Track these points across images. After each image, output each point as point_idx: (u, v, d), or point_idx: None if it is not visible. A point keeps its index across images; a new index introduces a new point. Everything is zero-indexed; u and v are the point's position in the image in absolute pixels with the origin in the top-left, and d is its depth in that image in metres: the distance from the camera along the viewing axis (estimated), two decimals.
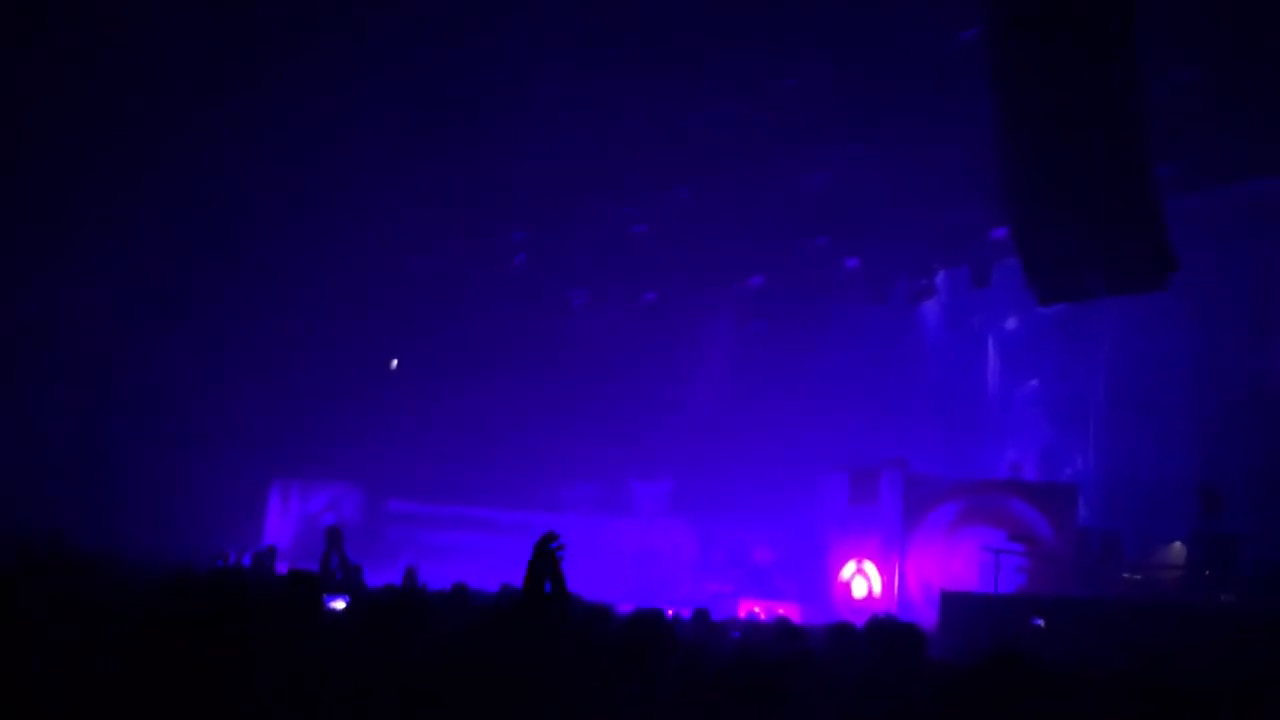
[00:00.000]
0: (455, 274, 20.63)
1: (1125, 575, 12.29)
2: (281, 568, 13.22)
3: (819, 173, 17.16)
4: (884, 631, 5.47)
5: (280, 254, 18.65)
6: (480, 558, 17.89)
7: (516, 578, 10.80)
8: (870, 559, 16.05)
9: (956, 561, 13.96)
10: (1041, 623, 8.79)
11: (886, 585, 15.57)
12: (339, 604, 7.36)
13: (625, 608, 6.72)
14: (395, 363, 22.17)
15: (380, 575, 12.12)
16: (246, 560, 14.53)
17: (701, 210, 18.34)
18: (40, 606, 4.30)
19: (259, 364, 19.02)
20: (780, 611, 14.71)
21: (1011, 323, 18.64)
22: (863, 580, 16.07)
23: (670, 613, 8.66)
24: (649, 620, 4.59)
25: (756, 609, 15.91)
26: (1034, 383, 18.32)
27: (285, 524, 20.43)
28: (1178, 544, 12.58)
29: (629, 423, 20.74)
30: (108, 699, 2.85)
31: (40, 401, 16.54)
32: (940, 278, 18.67)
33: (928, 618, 10.93)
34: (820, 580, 16.71)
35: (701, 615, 7.22)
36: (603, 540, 20.40)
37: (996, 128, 12.01)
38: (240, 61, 16.07)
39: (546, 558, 4.45)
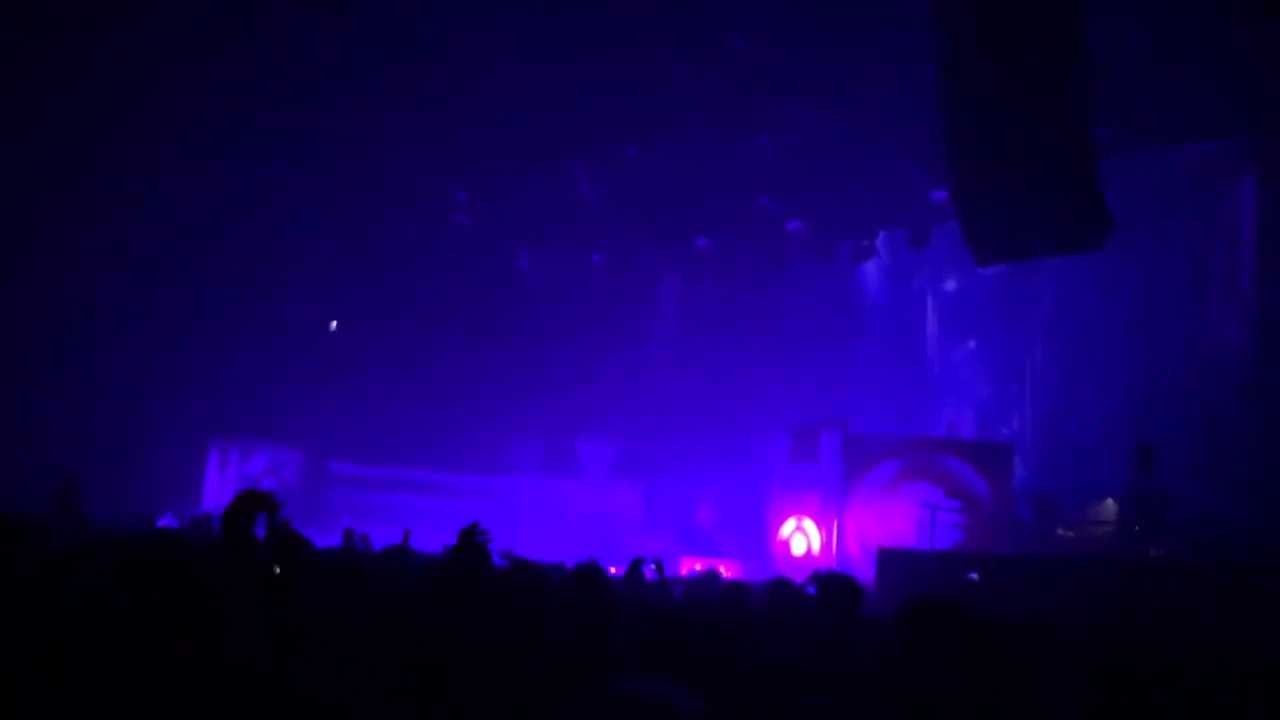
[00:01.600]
0: (400, 234, 20.43)
1: (1059, 531, 12.55)
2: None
3: (765, 134, 17.18)
4: (827, 583, 5.59)
5: (219, 214, 18.35)
6: (424, 520, 17.85)
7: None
8: (810, 517, 16.25)
9: (895, 519, 14.15)
10: (976, 577, 8.96)
11: (825, 543, 15.77)
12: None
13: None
14: (335, 324, 21.94)
15: (322, 538, 12.03)
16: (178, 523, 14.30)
17: (648, 171, 18.31)
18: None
19: (198, 324, 18.74)
20: (701, 566, 14.84)
21: (951, 284, 18.86)
22: (802, 538, 16.27)
23: (613, 570, 8.72)
24: (589, 572, 4.65)
25: (697, 566, 16.05)
26: (972, 343, 18.57)
27: (224, 487, 20.19)
28: (1110, 501, 12.86)
29: (575, 384, 20.75)
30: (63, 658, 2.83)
31: None
32: (881, 239, 18.84)
33: (866, 574, 11.09)
34: (761, 538, 16.91)
35: (634, 567, 7.31)
36: (549, 501, 20.47)
37: (939, 89, 12.07)
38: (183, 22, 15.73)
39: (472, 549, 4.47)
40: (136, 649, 2.89)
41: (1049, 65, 11.31)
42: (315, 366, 20.33)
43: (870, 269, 19.44)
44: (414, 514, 18.87)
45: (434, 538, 11.29)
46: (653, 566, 7.97)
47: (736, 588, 6.74)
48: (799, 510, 16.38)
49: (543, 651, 3.92)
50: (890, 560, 10.82)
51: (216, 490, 19.89)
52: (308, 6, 15.90)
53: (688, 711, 1.78)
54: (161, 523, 13.20)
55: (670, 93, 16.53)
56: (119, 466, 16.38)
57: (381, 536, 11.91)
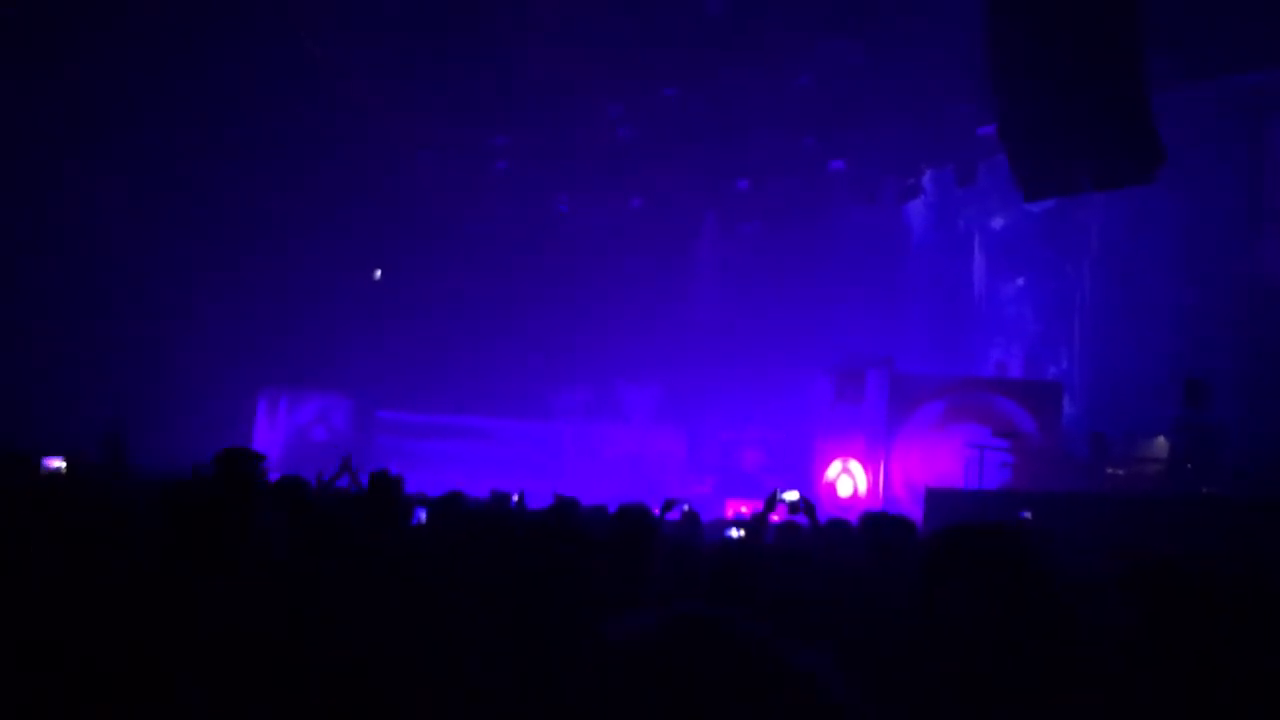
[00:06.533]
0: (442, 180, 20.41)
1: (1109, 470, 12.42)
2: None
3: (805, 71, 16.91)
4: (874, 522, 5.58)
5: (266, 162, 18.40)
6: (471, 466, 18.01)
7: (507, 484, 10.83)
8: (856, 458, 16.18)
9: (942, 459, 14.07)
10: (1029, 515, 8.89)
11: (872, 484, 15.72)
12: None
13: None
14: (379, 273, 22.03)
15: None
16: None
17: (686, 112, 18.12)
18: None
19: (245, 273, 18.89)
20: (746, 509, 14.83)
21: (998, 221, 18.60)
22: (848, 479, 16.21)
23: (657, 512, 8.72)
24: (635, 513, 4.65)
25: (743, 509, 16.07)
26: (1020, 281, 18.34)
27: (274, 435, 20.44)
28: (1161, 438, 12.69)
29: (618, 328, 20.74)
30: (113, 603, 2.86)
31: (22, 306, 16.45)
32: (927, 177, 18.57)
33: (913, 515, 11.04)
34: (806, 480, 16.86)
35: (669, 505, 7.31)
36: (593, 446, 20.55)
37: (985, 21, 11.82)
38: None
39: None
40: (174, 586, 2.92)
41: None
42: (362, 314, 20.47)
43: (915, 207, 19.18)
44: (459, 460, 19.06)
45: (479, 483, 11.39)
46: (684, 509, 7.99)
47: (791, 528, 6.71)
48: (844, 451, 16.30)
49: (585, 587, 3.92)
50: (938, 500, 10.78)
51: (267, 438, 20.13)
52: None
53: (745, 630, 1.74)
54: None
55: (706, 32, 16.28)
56: (169, 416, 16.61)
57: (429, 482, 12.00)
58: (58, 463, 8.17)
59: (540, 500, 10.18)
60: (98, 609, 2.82)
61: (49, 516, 4.27)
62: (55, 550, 3.79)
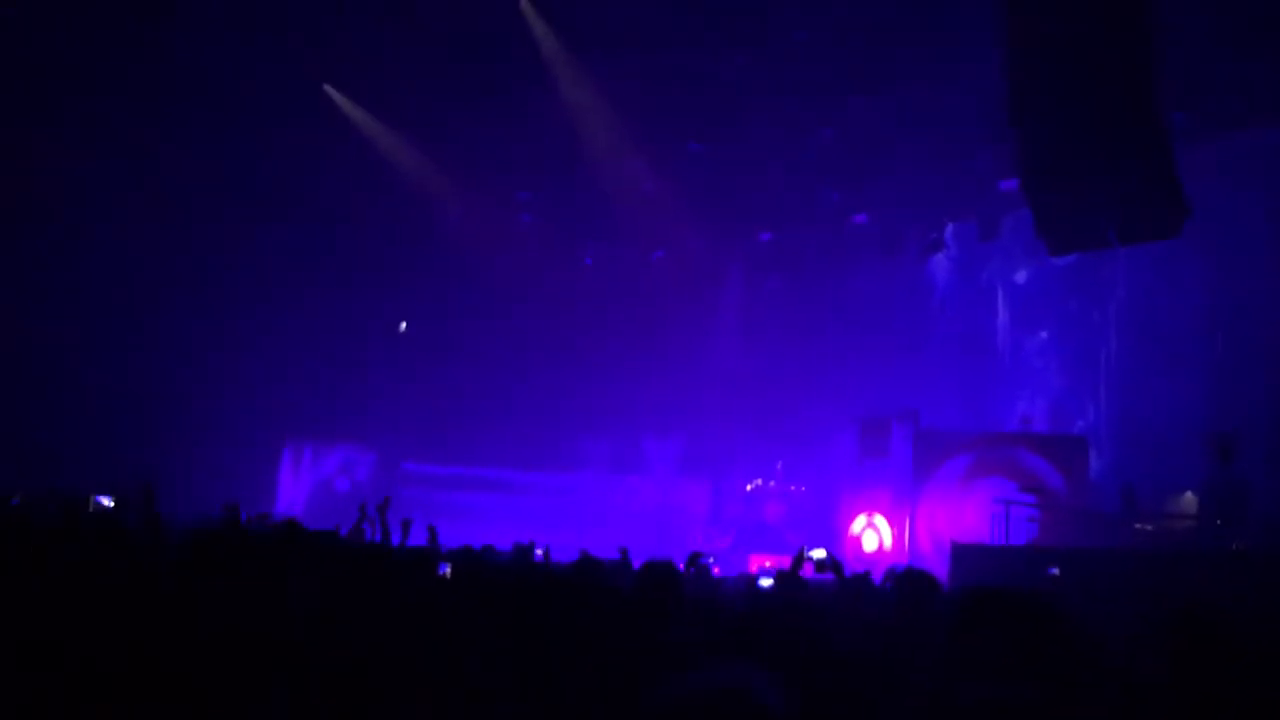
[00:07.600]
0: (467, 234, 20.59)
1: (1136, 525, 12.29)
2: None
3: (828, 126, 17.05)
4: (902, 578, 5.56)
5: (290, 216, 18.63)
6: (495, 518, 17.98)
7: (530, 536, 10.80)
8: (881, 512, 16.09)
9: (967, 514, 13.97)
10: (1057, 571, 8.79)
11: (897, 538, 15.61)
12: None
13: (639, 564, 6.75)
14: (404, 325, 22.17)
15: (397, 537, 12.16)
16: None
17: (710, 166, 18.27)
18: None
19: (271, 327, 19.04)
20: (770, 564, 14.73)
21: (1021, 275, 18.58)
22: (873, 533, 16.12)
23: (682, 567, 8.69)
24: (660, 570, 4.65)
25: (767, 563, 15.98)
26: (1045, 334, 18.28)
27: (298, 486, 20.50)
28: (1189, 494, 12.57)
29: (641, 381, 20.74)
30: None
31: (50, 358, 16.63)
32: (950, 231, 18.61)
33: (939, 570, 10.95)
34: (831, 534, 16.77)
35: (694, 558, 7.32)
36: (616, 498, 20.49)
37: (1007, 77, 11.89)
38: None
39: None
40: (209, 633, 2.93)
41: (1118, 49, 11.10)
42: (387, 367, 20.57)
43: (939, 261, 19.20)
44: (482, 511, 19.02)
45: (502, 535, 11.37)
46: (709, 561, 7.98)
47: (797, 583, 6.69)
48: (870, 505, 16.22)
49: (614, 646, 3.91)
50: (964, 555, 10.68)
51: (291, 489, 20.19)
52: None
53: (768, 698, 1.76)
54: None
55: (731, 86, 16.46)
56: (195, 467, 16.69)
57: (453, 534, 12.00)
58: (107, 500, 8.86)
59: (564, 553, 10.16)
60: (101, 610, 2.84)
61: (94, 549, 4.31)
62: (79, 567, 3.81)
